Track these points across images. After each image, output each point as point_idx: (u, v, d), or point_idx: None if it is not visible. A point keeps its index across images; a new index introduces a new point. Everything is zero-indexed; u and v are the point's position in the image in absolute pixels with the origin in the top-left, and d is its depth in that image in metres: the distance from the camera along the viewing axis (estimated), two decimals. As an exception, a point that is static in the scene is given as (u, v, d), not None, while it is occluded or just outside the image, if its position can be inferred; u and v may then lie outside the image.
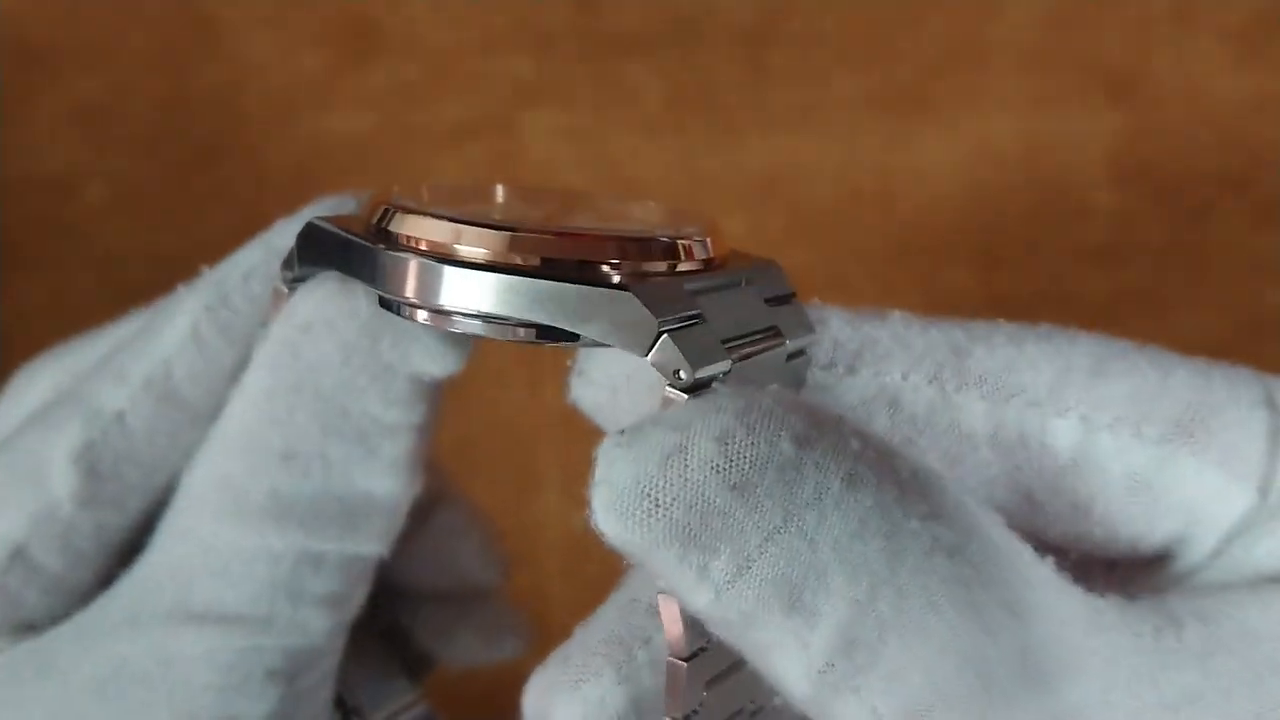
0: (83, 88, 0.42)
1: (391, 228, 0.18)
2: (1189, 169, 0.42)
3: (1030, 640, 0.15)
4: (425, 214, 0.17)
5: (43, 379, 0.23)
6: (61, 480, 0.20)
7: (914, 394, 0.18)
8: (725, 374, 0.16)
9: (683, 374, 0.16)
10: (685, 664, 0.17)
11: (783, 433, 0.15)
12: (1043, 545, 0.19)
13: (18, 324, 0.43)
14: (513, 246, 0.17)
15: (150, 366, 0.20)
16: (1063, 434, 0.18)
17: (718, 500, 0.15)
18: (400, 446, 0.20)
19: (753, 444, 0.15)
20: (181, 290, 0.21)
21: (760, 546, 0.15)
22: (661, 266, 0.17)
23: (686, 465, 0.15)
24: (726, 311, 0.17)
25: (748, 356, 0.17)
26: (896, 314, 0.19)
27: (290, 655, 0.20)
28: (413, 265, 0.17)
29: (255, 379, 0.20)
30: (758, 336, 0.17)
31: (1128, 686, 0.16)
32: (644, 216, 0.21)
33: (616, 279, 0.17)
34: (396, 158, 0.43)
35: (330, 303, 0.19)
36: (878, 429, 0.18)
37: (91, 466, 0.20)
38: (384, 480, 0.20)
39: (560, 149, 0.43)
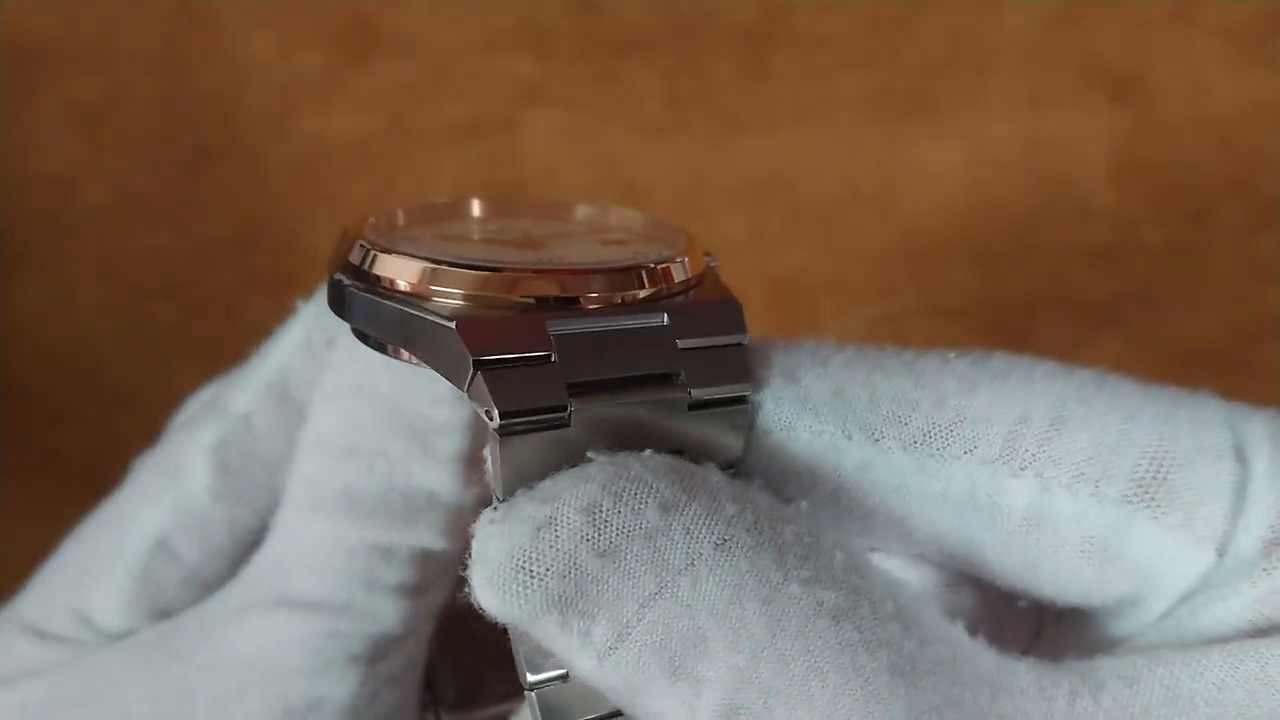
0: (83, 88, 0.42)
1: (364, 266, 0.17)
2: (1189, 169, 0.42)
3: (920, 705, 0.15)
4: (395, 253, 0.17)
5: (204, 396, 0.25)
6: (198, 475, 0.22)
7: (859, 453, 0.17)
8: (563, 415, 0.16)
9: (491, 412, 0.16)
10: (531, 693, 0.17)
11: (648, 500, 0.15)
12: (992, 589, 0.18)
13: (18, 324, 0.43)
14: (485, 285, 0.16)
15: (270, 371, 0.22)
16: (1017, 494, 0.17)
17: (590, 568, 0.15)
18: (453, 444, 0.21)
19: (619, 512, 0.15)
20: (300, 302, 0.23)
21: (637, 613, 0.15)
22: (640, 295, 0.17)
23: (557, 536, 0.15)
24: (601, 353, 0.16)
25: (607, 401, 0.16)
26: (840, 357, 0.18)
27: (368, 641, 0.21)
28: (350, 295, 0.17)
29: (325, 383, 0.21)
30: (634, 382, 0.16)
31: None
32: (624, 226, 0.20)
33: (437, 313, 0.16)
34: (396, 158, 0.43)
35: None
36: (825, 491, 0.17)
37: (223, 462, 0.22)
38: (441, 477, 0.21)
39: (560, 149, 0.43)
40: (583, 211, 0.21)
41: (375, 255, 0.17)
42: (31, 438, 0.44)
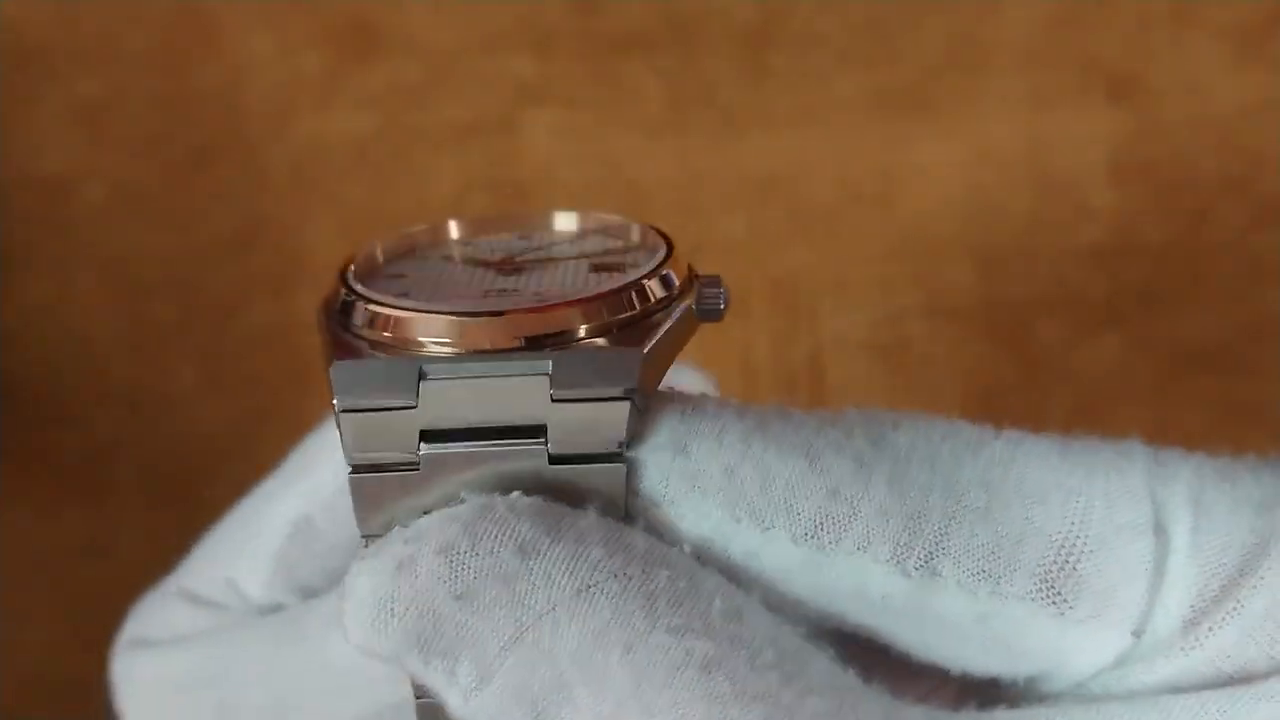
0: (83, 88, 0.42)
1: (351, 318, 0.17)
2: (1189, 169, 0.42)
3: None
4: (375, 302, 0.17)
5: None
6: (324, 475, 0.22)
7: (747, 540, 0.16)
8: (412, 464, 0.16)
9: (349, 456, 0.16)
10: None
11: (507, 543, 0.15)
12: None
13: (18, 324, 0.43)
14: (474, 333, 0.16)
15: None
16: (911, 594, 0.16)
17: (446, 610, 0.15)
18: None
19: (476, 554, 0.15)
20: None
21: (499, 656, 0.15)
22: (622, 317, 0.17)
23: (416, 576, 0.15)
24: (468, 401, 0.16)
25: (463, 448, 0.16)
26: (738, 429, 0.17)
27: None
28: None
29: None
30: (497, 432, 0.16)
31: None
32: (605, 234, 0.20)
33: (331, 355, 0.17)
34: (396, 158, 0.43)
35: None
36: (713, 567, 0.16)
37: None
38: None
39: (560, 149, 0.43)
40: (561, 221, 0.21)
41: (358, 305, 0.17)
42: (31, 438, 0.44)
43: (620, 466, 0.16)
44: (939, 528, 0.16)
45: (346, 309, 0.18)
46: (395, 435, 0.16)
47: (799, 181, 0.42)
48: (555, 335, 0.16)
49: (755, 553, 0.16)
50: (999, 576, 0.16)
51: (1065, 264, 0.43)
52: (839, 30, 0.41)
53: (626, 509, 0.17)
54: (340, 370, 0.16)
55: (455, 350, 0.16)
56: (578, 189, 0.43)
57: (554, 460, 0.16)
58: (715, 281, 0.19)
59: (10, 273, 0.43)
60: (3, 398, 0.43)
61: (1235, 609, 0.16)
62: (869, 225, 0.43)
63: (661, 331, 0.17)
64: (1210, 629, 0.16)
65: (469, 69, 0.42)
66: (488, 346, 0.16)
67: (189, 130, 0.43)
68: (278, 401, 0.44)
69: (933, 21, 0.41)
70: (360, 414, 0.16)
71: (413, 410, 0.16)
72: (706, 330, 0.19)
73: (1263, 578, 0.16)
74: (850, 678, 0.16)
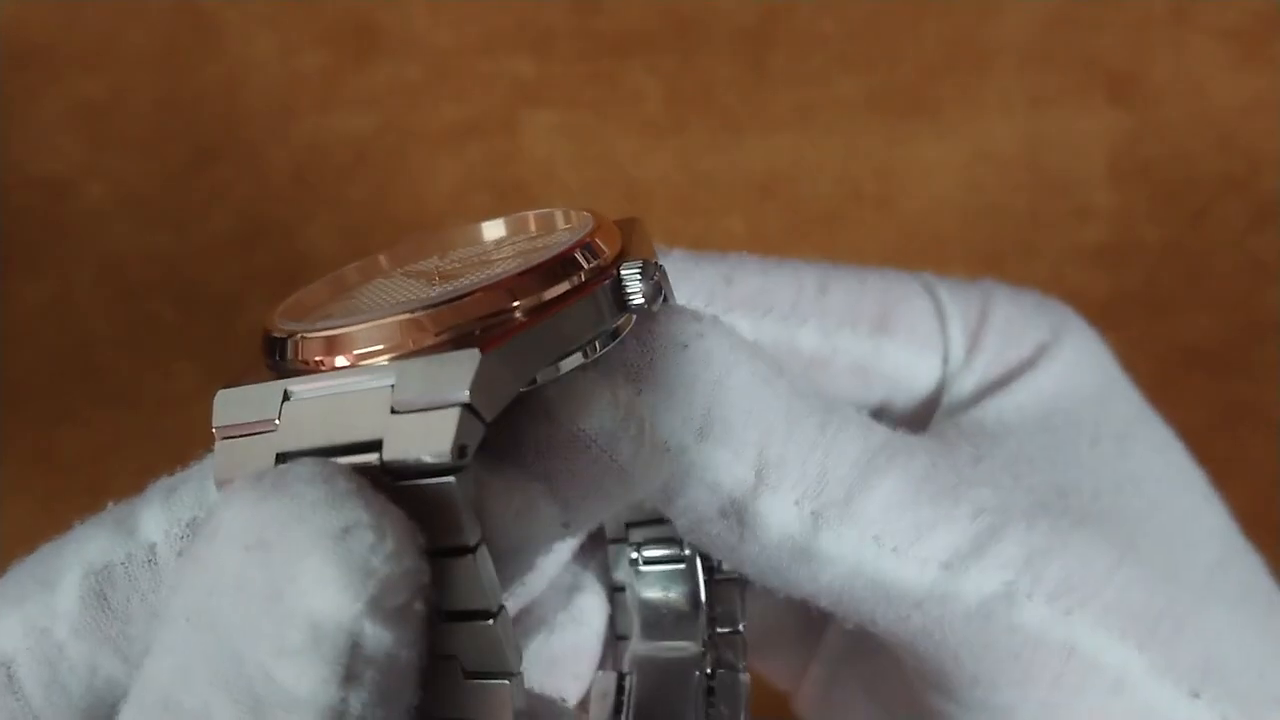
0: (83, 88, 0.42)
1: (289, 356, 0.17)
2: (1189, 169, 0.42)
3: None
4: (312, 332, 0.16)
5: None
6: (64, 597, 0.17)
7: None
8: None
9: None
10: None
11: None
12: None
13: (18, 324, 0.43)
14: (402, 334, 0.15)
15: (203, 509, 0.17)
16: (804, 339, 0.23)
17: None
18: None
19: None
20: None
21: None
22: (547, 295, 0.16)
23: None
24: (317, 419, 0.15)
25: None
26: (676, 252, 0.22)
27: None
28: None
29: (168, 600, 0.15)
30: (341, 449, 0.15)
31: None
32: (533, 231, 0.19)
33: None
34: (396, 158, 0.43)
35: (246, 507, 0.14)
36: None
37: (100, 592, 0.17)
38: None
39: (560, 149, 0.43)
40: (490, 229, 0.20)
41: (291, 341, 0.16)
42: (31, 438, 0.44)
43: (448, 481, 0.14)
44: (815, 297, 0.23)
45: (272, 346, 0.17)
46: (254, 457, 0.15)
47: (799, 181, 0.43)
48: (488, 318, 0.16)
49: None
50: (854, 322, 0.23)
51: (1065, 264, 0.43)
52: (839, 30, 0.41)
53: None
54: (220, 396, 0.16)
55: (396, 358, 0.15)
56: (577, 189, 0.43)
57: (389, 473, 0.14)
58: (639, 268, 0.17)
59: (10, 273, 0.43)
60: (3, 398, 0.43)
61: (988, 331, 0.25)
62: (869, 225, 0.43)
63: (520, 334, 0.16)
64: (983, 349, 0.24)
65: (469, 69, 0.42)
66: (428, 337, 0.15)
67: (189, 130, 0.43)
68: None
69: (933, 22, 0.41)
70: (230, 440, 0.15)
71: (274, 432, 0.15)
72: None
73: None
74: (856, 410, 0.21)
